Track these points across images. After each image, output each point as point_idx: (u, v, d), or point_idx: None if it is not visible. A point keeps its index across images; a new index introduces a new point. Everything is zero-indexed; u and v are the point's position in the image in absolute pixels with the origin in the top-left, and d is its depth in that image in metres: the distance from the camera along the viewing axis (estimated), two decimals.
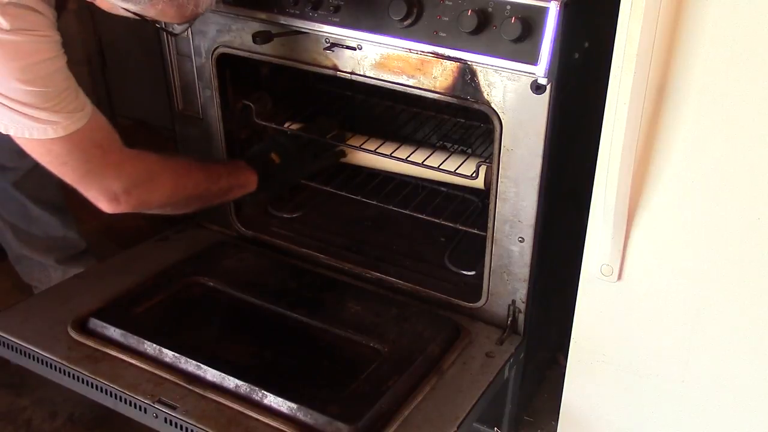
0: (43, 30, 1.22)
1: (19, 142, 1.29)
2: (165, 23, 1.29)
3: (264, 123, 1.76)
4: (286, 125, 1.78)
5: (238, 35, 1.55)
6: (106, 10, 1.25)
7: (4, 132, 1.27)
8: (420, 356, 1.42)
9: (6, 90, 1.21)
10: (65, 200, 1.97)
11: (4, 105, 1.22)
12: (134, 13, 1.22)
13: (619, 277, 1.31)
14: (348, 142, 1.73)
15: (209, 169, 1.57)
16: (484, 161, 1.55)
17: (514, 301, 1.52)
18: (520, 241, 1.45)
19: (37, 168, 1.82)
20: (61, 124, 1.26)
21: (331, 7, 1.40)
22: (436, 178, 1.71)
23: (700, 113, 1.13)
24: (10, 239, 1.94)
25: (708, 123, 1.13)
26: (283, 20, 1.45)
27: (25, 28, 1.18)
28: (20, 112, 1.23)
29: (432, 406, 1.36)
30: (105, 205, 1.39)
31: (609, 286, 1.33)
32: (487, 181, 1.52)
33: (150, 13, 1.22)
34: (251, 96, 1.75)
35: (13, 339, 1.47)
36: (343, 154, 1.76)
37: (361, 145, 1.72)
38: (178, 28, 1.37)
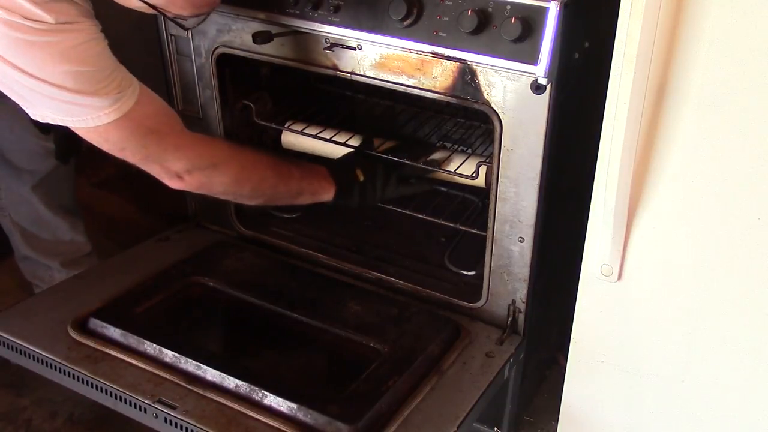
0: (83, 19, 1.25)
1: (79, 132, 1.30)
2: (176, 16, 1.28)
3: (264, 123, 1.76)
4: (345, 139, 1.69)
5: (238, 35, 1.55)
6: (121, 3, 1.26)
7: (62, 124, 1.28)
8: (420, 356, 1.42)
9: (58, 78, 1.22)
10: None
11: (57, 99, 1.24)
12: (145, 2, 1.21)
13: (619, 277, 1.31)
14: (347, 142, 1.73)
15: (282, 168, 1.53)
16: (485, 161, 1.55)
17: (514, 301, 1.52)
18: (520, 241, 1.45)
19: (54, 172, 1.84)
20: (114, 107, 1.27)
21: (331, 7, 1.40)
22: (436, 177, 1.71)
23: (700, 113, 1.13)
24: (17, 242, 1.94)
25: (708, 123, 1.13)
26: (283, 20, 1.46)
27: (68, 20, 1.22)
28: (74, 102, 1.24)
29: (432, 406, 1.36)
30: (168, 182, 1.41)
31: (609, 286, 1.33)
32: (488, 181, 1.52)
33: (160, 1, 1.22)
34: (251, 96, 1.75)
35: (13, 339, 1.47)
36: (435, 183, 1.68)
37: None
38: (190, 22, 1.37)
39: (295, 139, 1.78)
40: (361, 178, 1.60)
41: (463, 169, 1.61)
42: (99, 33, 1.27)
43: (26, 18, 1.17)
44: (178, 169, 1.39)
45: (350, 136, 1.73)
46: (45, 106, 1.26)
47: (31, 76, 1.21)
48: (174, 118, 1.40)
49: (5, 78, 1.24)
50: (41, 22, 1.19)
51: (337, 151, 1.73)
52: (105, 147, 1.33)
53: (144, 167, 1.39)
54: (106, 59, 1.28)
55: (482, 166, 1.55)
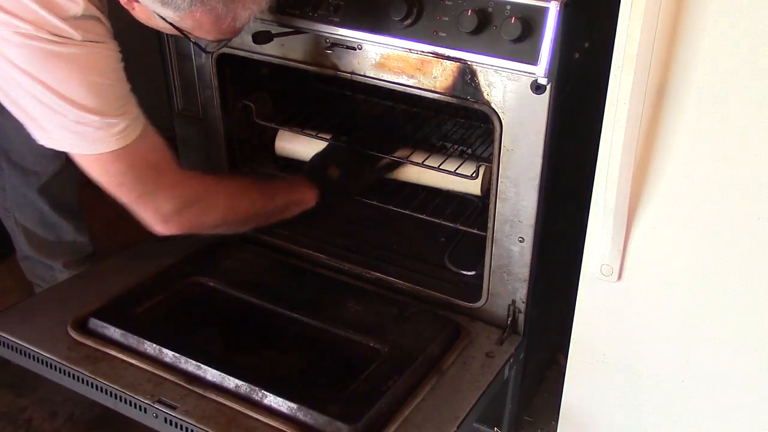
0: (107, 39, 1.28)
1: (82, 163, 1.32)
2: (198, 39, 1.30)
3: (264, 123, 1.76)
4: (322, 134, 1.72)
5: (238, 35, 1.55)
6: (143, 21, 1.27)
7: (69, 150, 1.30)
8: (420, 356, 1.42)
9: (77, 93, 1.23)
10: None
11: (71, 119, 1.25)
12: (171, 24, 1.23)
13: (619, 277, 1.31)
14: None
15: (266, 187, 1.57)
16: (484, 162, 1.55)
17: (514, 301, 1.52)
18: (520, 241, 1.45)
19: (60, 173, 1.84)
20: (122, 133, 1.29)
21: (331, 7, 1.40)
22: (435, 185, 1.71)
23: (700, 113, 1.13)
24: (21, 242, 1.94)
25: (708, 123, 1.13)
26: (283, 20, 1.46)
27: (93, 39, 1.24)
28: (86, 123, 1.26)
29: (432, 406, 1.36)
30: (158, 227, 1.42)
31: (609, 286, 1.33)
32: (485, 187, 1.53)
33: (187, 23, 1.22)
34: (251, 96, 1.75)
35: (13, 339, 1.47)
36: (396, 166, 1.71)
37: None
38: (212, 46, 1.40)
39: (291, 146, 1.78)
40: (337, 174, 1.64)
41: (463, 170, 1.61)
42: (119, 53, 1.30)
43: (53, 34, 1.20)
44: (169, 210, 1.40)
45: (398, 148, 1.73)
46: (56, 127, 1.27)
47: (51, 89, 1.22)
48: (170, 155, 1.41)
49: (23, 96, 1.25)
50: (68, 38, 1.21)
51: None
52: (104, 180, 1.34)
53: (136, 207, 1.39)
54: (123, 79, 1.30)
55: (482, 166, 1.56)
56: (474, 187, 1.62)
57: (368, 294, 1.64)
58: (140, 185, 1.36)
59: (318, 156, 1.71)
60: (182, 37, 1.27)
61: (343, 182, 1.65)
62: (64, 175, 1.86)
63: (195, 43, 1.32)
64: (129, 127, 1.30)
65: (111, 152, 1.29)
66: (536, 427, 1.79)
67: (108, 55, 1.27)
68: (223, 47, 1.45)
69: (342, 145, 1.71)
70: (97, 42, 1.24)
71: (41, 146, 1.78)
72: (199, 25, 1.22)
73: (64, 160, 1.82)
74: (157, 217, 1.40)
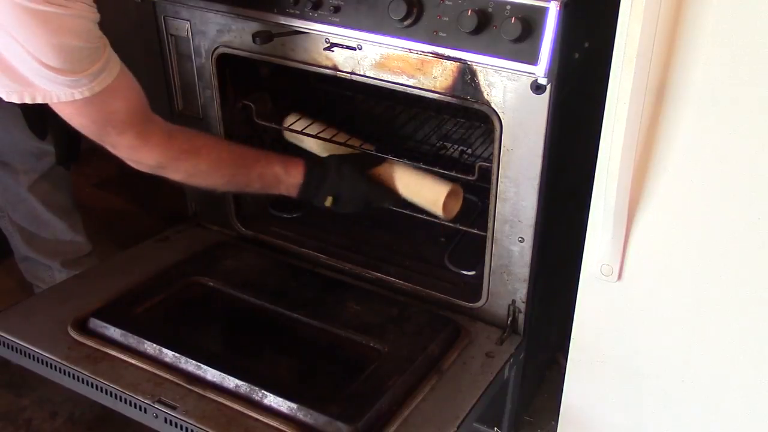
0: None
1: (56, 108, 1.29)
2: None
3: (264, 123, 1.76)
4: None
5: (238, 35, 1.55)
6: None
7: (45, 101, 1.26)
8: (420, 356, 1.42)
9: (39, 53, 1.19)
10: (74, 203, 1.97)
11: (34, 74, 1.22)
12: None
13: (619, 277, 1.31)
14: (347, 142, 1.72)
15: (245, 158, 1.52)
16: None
17: (514, 301, 1.52)
18: (520, 241, 1.45)
19: (50, 172, 1.84)
20: (88, 86, 1.26)
21: (331, 7, 1.40)
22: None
23: (700, 113, 1.13)
24: (17, 242, 1.95)
25: (708, 123, 1.13)
26: (283, 20, 1.46)
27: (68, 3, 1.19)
28: (46, 77, 1.22)
29: (432, 406, 1.36)
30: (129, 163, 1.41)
31: (609, 286, 1.33)
32: (450, 217, 1.53)
33: None
34: (251, 96, 1.75)
35: (13, 339, 1.47)
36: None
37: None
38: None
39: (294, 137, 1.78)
40: (330, 205, 1.58)
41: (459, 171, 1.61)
42: (95, 13, 1.25)
43: None
44: (136, 159, 1.39)
45: (348, 138, 1.72)
46: (30, 75, 1.22)
47: (18, 43, 1.18)
48: (142, 110, 1.38)
49: None
50: None
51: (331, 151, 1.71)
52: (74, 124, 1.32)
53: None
54: (95, 37, 1.26)
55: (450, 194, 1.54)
56: (436, 205, 1.55)
57: (368, 294, 1.64)
58: (101, 134, 1.34)
59: (321, 175, 1.57)
60: None
61: (330, 210, 1.59)
62: (55, 173, 1.86)
63: None
64: (94, 82, 1.26)
65: (71, 102, 1.26)
66: (536, 427, 1.79)
67: (83, 16, 1.22)
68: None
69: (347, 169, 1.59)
70: (72, 4, 1.19)
71: (29, 146, 1.78)
72: None
73: (53, 159, 1.82)
74: (124, 156, 1.39)
